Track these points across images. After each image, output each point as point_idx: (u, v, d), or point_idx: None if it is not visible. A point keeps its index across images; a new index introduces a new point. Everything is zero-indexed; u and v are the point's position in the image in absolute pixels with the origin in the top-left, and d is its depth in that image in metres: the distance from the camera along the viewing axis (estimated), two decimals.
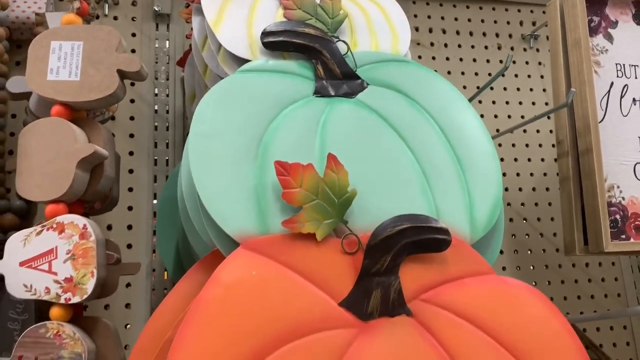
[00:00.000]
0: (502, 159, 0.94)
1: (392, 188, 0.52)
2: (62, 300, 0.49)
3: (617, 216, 0.68)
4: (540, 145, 0.95)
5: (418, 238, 0.49)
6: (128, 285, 0.73)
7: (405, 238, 0.49)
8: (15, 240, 0.50)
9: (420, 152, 0.55)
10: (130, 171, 0.77)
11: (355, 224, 0.49)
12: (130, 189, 0.76)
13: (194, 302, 0.44)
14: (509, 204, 0.91)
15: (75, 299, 0.49)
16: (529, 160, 0.94)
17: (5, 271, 0.49)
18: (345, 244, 0.49)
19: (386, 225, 0.49)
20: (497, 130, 0.93)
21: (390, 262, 0.48)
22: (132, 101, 0.80)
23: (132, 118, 0.79)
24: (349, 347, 0.45)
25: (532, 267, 0.90)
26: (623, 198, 0.69)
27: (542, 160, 0.94)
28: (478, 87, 0.91)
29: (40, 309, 0.61)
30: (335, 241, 0.49)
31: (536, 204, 0.92)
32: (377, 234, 0.49)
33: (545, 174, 0.93)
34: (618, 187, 0.69)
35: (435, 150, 0.55)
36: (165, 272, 0.75)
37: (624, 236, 0.68)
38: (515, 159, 0.94)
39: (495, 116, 0.95)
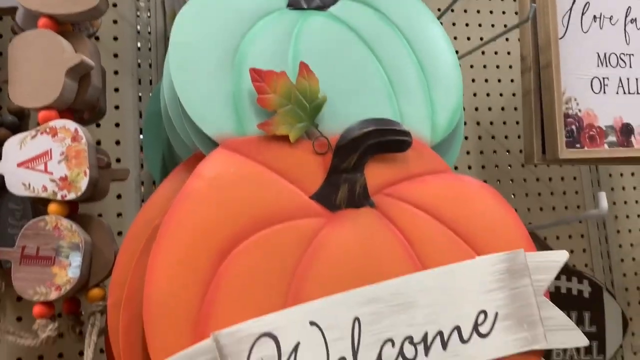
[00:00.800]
0: (473, 80, 0.98)
1: (359, 94, 0.56)
2: (58, 197, 0.54)
3: (573, 127, 0.74)
4: (510, 67, 0.99)
5: (382, 139, 0.54)
6: (119, 196, 0.78)
7: (370, 139, 0.54)
8: (11, 143, 0.54)
9: (387, 62, 0.59)
10: (116, 90, 0.80)
11: (325, 127, 0.54)
12: (117, 107, 0.80)
13: (179, 193, 0.49)
14: (478, 123, 0.96)
15: (71, 196, 0.54)
16: (499, 81, 0.99)
17: (5, 171, 0.54)
18: (316, 145, 0.53)
19: (353, 128, 0.54)
20: (457, 52, 0.96)
21: (357, 160, 0.53)
22: (115, 22, 0.82)
23: (115, 38, 0.82)
24: (318, 233, 0.51)
25: (498, 182, 0.96)
26: (579, 110, 0.74)
27: (512, 81, 0.98)
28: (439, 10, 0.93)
29: (37, 215, 0.66)
30: (307, 143, 0.53)
31: (504, 123, 0.97)
32: (345, 135, 0.54)
33: (514, 94, 0.98)
34: (575, 99, 0.74)
35: (401, 60, 0.59)
36: (154, 184, 0.80)
37: (578, 145, 0.74)
38: (486, 80, 0.98)
39: (455, 38, 0.98)
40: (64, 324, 0.57)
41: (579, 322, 0.91)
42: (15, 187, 0.54)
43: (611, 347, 0.93)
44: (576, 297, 0.92)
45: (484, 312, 0.51)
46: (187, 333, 0.45)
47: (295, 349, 0.46)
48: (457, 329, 0.50)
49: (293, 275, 0.49)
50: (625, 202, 1.02)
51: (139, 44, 0.83)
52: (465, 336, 0.50)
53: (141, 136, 0.81)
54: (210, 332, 0.44)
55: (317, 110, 0.54)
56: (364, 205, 0.53)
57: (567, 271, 0.92)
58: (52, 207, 0.54)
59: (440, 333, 0.50)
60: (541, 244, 0.93)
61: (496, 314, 0.51)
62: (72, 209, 0.56)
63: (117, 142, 0.80)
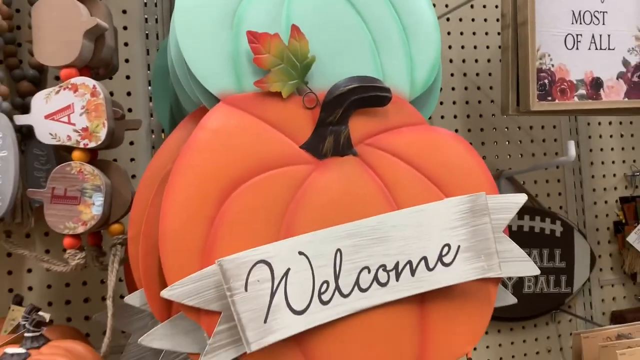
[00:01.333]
0: (461, 33, 1.03)
1: (345, 54, 0.63)
2: (81, 145, 0.62)
3: (546, 81, 0.80)
4: (497, 20, 1.03)
5: (364, 95, 0.61)
6: (132, 143, 0.86)
7: (354, 95, 0.61)
8: (38, 98, 0.62)
9: (371, 23, 0.65)
10: (126, 44, 0.87)
11: (314, 84, 0.61)
12: (127, 60, 0.86)
13: (187, 143, 0.57)
14: (465, 74, 1.02)
15: (92, 145, 0.62)
16: (486, 34, 1.04)
17: (34, 122, 0.61)
18: (305, 100, 0.61)
19: (339, 85, 0.61)
20: (446, 6, 1.01)
21: (342, 114, 0.61)
22: None
23: None
24: (307, 178, 0.59)
25: (481, 130, 1.03)
26: (552, 65, 0.80)
27: (498, 34, 1.03)
28: None
29: (59, 160, 0.75)
30: (298, 98, 0.61)
31: (490, 74, 1.03)
32: (332, 92, 0.61)
33: (499, 47, 1.03)
34: (549, 55, 0.80)
35: (385, 20, 0.65)
36: (163, 132, 0.87)
37: (550, 98, 0.80)
38: (474, 33, 1.03)
39: None
40: (88, 255, 0.66)
41: (550, 259, 1.01)
42: (43, 136, 0.62)
43: (579, 281, 1.02)
44: (549, 235, 1.01)
45: (448, 245, 0.59)
46: (196, 260, 0.53)
47: (286, 273, 0.55)
48: (424, 259, 0.59)
49: (285, 213, 0.57)
50: (601, 149, 1.09)
51: (145, 0, 0.88)
52: (431, 265, 0.59)
53: (150, 87, 0.88)
54: (215, 259, 0.52)
55: (307, 69, 0.60)
56: (347, 154, 0.61)
57: (541, 212, 1.01)
58: (75, 154, 0.62)
59: (410, 262, 0.59)
60: (519, 188, 1.02)
61: (458, 247, 0.59)
62: (92, 156, 0.64)
63: (128, 94, 0.87)
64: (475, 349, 1.01)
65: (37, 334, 0.57)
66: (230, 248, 0.54)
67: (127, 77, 0.87)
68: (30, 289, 0.81)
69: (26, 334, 0.58)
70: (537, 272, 0.64)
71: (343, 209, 0.59)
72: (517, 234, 0.92)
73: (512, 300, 0.66)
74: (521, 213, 1.00)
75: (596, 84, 0.83)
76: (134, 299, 0.57)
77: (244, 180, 0.57)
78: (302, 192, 0.58)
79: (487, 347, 1.02)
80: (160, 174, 0.59)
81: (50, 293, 0.81)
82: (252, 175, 0.57)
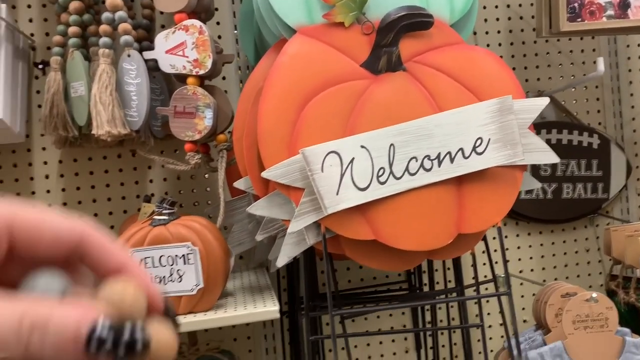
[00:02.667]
0: None
1: None
2: (193, 73, 0.81)
3: (576, 4, 0.91)
4: None
5: (411, 21, 0.76)
6: (224, 78, 1.05)
7: (403, 21, 0.76)
8: (160, 37, 0.81)
9: None
10: None
11: (370, 14, 0.76)
12: (216, 9, 1.05)
13: (272, 66, 0.75)
14: (508, 5, 1.14)
15: (201, 72, 0.81)
16: None
17: (157, 57, 0.81)
18: (364, 28, 0.76)
19: (390, 14, 0.76)
20: None
21: (393, 37, 0.76)
22: None
23: None
24: (366, 89, 0.76)
25: (524, 55, 1.15)
26: None
27: None
28: None
29: (170, 92, 0.94)
30: (357, 27, 0.76)
31: (531, 5, 1.13)
32: (385, 19, 0.76)
33: None
34: None
35: None
36: (247, 68, 1.06)
37: (579, 19, 0.92)
38: None
39: None
40: (202, 160, 0.87)
41: (588, 168, 1.13)
42: (165, 67, 0.81)
43: (615, 188, 1.14)
44: (586, 148, 1.12)
45: (481, 138, 0.75)
46: (285, 150, 0.72)
47: (352, 161, 0.72)
48: (461, 150, 0.74)
49: (349, 117, 0.74)
50: None
51: None
52: (467, 154, 0.74)
53: (236, 31, 1.06)
54: (298, 150, 0.70)
55: (364, 2, 0.76)
56: (398, 70, 0.77)
57: (579, 127, 1.12)
58: (190, 80, 0.81)
59: (449, 153, 0.74)
60: (559, 106, 1.13)
61: (489, 140, 0.75)
62: (201, 82, 0.83)
63: (219, 37, 1.05)
64: (518, 247, 1.16)
65: (172, 211, 0.77)
66: (309, 142, 0.71)
67: (217, 23, 1.05)
68: (152, 195, 1.03)
69: (158, 217, 0.79)
70: (557, 160, 0.78)
71: (395, 113, 0.75)
72: (556, 147, 1.05)
73: (536, 184, 0.81)
74: (560, 127, 1.12)
75: (624, 5, 0.93)
76: (241, 184, 0.77)
77: (317, 92, 0.74)
78: (362, 101, 0.75)
79: (530, 246, 1.17)
80: (254, 90, 0.77)
81: None
82: (324, 88, 0.74)
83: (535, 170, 1.12)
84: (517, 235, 1.16)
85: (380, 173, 0.73)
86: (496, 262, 0.81)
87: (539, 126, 1.12)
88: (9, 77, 0.85)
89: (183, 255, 0.72)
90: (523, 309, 1.16)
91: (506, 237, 1.16)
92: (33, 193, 1.01)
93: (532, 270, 1.17)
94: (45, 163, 1.01)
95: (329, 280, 0.76)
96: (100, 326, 0.19)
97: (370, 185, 0.73)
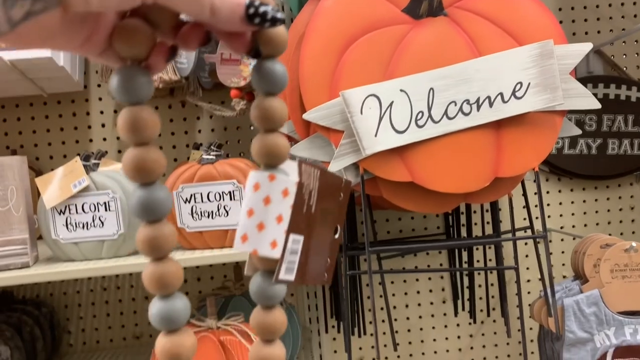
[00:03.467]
0: None
1: None
2: None
3: None
4: None
5: None
6: None
7: None
8: None
9: None
10: None
11: None
12: None
13: (314, 11, 0.77)
14: None
15: None
16: None
17: None
18: None
19: None
20: None
21: None
22: None
23: None
24: (407, 34, 0.77)
25: (572, 8, 1.12)
26: None
27: None
28: None
29: (215, 43, 0.98)
30: None
31: None
32: None
33: None
34: None
35: None
36: (292, 20, 1.08)
37: None
38: None
39: None
40: (245, 107, 0.90)
41: (635, 124, 1.10)
42: None
43: None
44: (635, 103, 1.10)
45: (520, 82, 0.75)
46: (326, 93, 0.74)
47: (391, 104, 0.74)
48: (501, 94, 0.75)
49: (390, 61, 0.76)
50: None
51: None
52: (506, 99, 0.75)
53: None
54: (339, 93, 0.73)
55: None
56: (439, 15, 0.77)
57: (627, 82, 1.10)
58: None
59: (489, 97, 0.75)
60: (607, 60, 1.11)
61: (529, 84, 0.75)
62: None
63: None
64: (560, 203, 1.16)
65: (219, 152, 0.81)
66: (349, 85, 0.74)
67: None
68: (200, 144, 1.08)
69: (206, 156, 0.83)
70: (598, 105, 0.77)
71: (435, 58, 0.76)
72: (603, 101, 1.03)
73: (576, 131, 0.81)
74: (607, 82, 1.10)
75: None
76: (284, 128, 0.80)
77: (358, 37, 0.76)
78: (402, 45, 0.76)
79: (572, 202, 1.16)
80: (297, 37, 0.79)
81: None
82: (364, 33, 0.76)
83: (579, 125, 1.11)
84: (560, 192, 1.16)
85: (418, 117, 0.75)
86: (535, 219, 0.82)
87: (586, 80, 1.10)
88: None
89: (229, 191, 0.76)
90: (563, 264, 1.16)
91: (548, 192, 1.16)
92: (90, 141, 1.07)
93: (573, 226, 1.16)
94: (102, 112, 1.07)
95: (367, 221, 0.79)
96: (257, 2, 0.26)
97: (409, 128, 0.75)
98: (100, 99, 1.07)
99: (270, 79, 0.29)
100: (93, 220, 0.76)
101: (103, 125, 1.07)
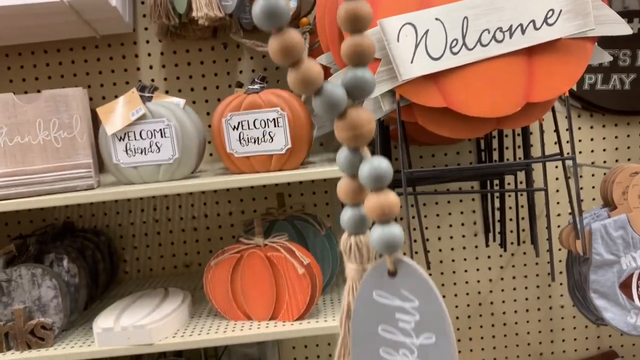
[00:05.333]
0: None
1: None
2: None
3: None
4: None
5: None
6: None
7: None
8: None
9: None
10: None
11: None
12: None
13: None
14: None
15: None
16: None
17: None
18: None
19: None
20: None
21: None
22: None
23: None
24: None
25: None
26: None
27: None
28: None
29: None
30: None
31: None
32: None
33: None
34: None
35: None
36: None
37: None
38: None
39: None
40: None
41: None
42: None
43: None
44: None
45: (552, 9, 0.77)
46: None
47: (426, 32, 0.78)
48: (532, 22, 0.78)
49: None
50: None
51: None
52: (538, 25, 0.78)
53: None
54: (376, 21, 0.77)
55: None
56: None
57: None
58: None
59: (521, 25, 0.78)
60: None
61: (560, 10, 0.77)
62: None
63: None
64: (592, 139, 1.18)
65: (263, 84, 0.87)
66: (387, 14, 0.77)
67: None
68: (242, 84, 1.14)
69: (252, 86, 0.88)
70: (629, 31, 0.79)
71: None
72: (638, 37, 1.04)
73: (607, 57, 0.83)
74: (631, 16, 1.10)
75: None
76: (323, 59, 0.85)
77: None
78: None
79: (604, 138, 1.18)
80: None
81: None
82: None
83: (613, 60, 1.12)
84: (591, 128, 1.18)
85: (453, 44, 0.79)
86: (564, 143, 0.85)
87: (622, 15, 1.08)
88: None
89: (274, 119, 0.81)
90: (593, 199, 1.19)
91: (579, 128, 1.18)
92: (139, 82, 1.13)
93: (604, 162, 1.18)
94: (149, 55, 1.13)
95: (401, 145, 0.84)
96: None
97: (444, 55, 0.78)
98: (147, 41, 1.13)
99: None
100: (150, 146, 0.82)
101: (151, 67, 1.14)
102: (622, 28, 0.79)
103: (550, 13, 0.78)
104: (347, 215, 0.36)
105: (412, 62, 0.77)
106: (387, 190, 0.34)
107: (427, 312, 0.35)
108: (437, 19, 0.78)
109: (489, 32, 0.79)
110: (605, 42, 0.95)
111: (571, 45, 0.79)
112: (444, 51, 0.78)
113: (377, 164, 0.33)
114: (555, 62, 0.79)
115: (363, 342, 0.36)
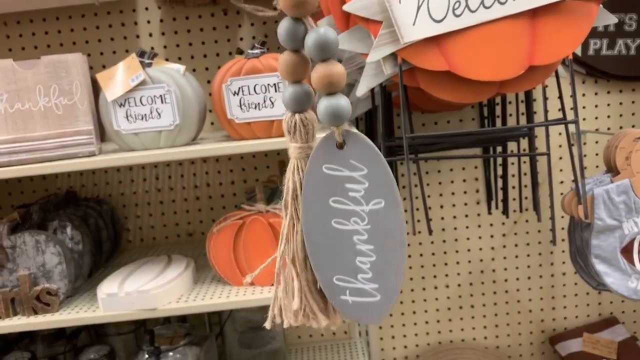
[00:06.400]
0: None
1: None
2: None
3: None
4: None
5: None
6: None
7: None
8: None
9: None
10: None
11: None
12: None
13: None
14: None
15: None
16: None
17: None
18: None
19: None
20: None
21: None
22: None
23: None
24: None
25: None
26: None
27: None
28: None
29: None
30: None
31: None
32: None
33: None
34: None
35: None
36: None
37: None
38: None
39: None
40: None
41: None
42: None
43: None
44: None
45: None
46: None
47: None
48: None
49: None
50: None
51: None
52: None
53: None
54: None
55: None
56: None
57: None
58: None
59: None
60: None
61: None
62: None
63: None
64: (596, 105, 1.17)
65: (263, 49, 0.86)
66: None
67: None
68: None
69: (251, 51, 0.87)
70: None
71: None
72: None
73: (612, 19, 0.81)
74: None
75: None
76: (323, 22, 0.83)
77: None
78: None
79: (608, 105, 1.17)
80: None
81: None
82: None
83: (619, 25, 1.10)
84: (596, 94, 1.17)
85: (455, 6, 0.77)
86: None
87: None
88: None
89: (274, 84, 0.81)
90: (597, 166, 1.19)
91: (584, 95, 1.17)
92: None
93: (608, 129, 1.18)
94: (149, 22, 1.12)
95: (404, 110, 0.83)
96: None
97: (446, 17, 0.77)
98: (146, 8, 1.11)
99: None
100: (151, 112, 0.82)
101: (150, 35, 1.12)
102: None
103: None
104: (288, 92, 0.36)
105: (414, 24, 0.76)
106: (334, 61, 0.34)
107: (375, 179, 0.36)
108: None
109: None
110: (611, 5, 0.93)
111: (575, 7, 0.78)
112: (447, 13, 0.77)
113: (323, 32, 0.33)
114: (559, 24, 0.78)
115: (315, 216, 0.38)
